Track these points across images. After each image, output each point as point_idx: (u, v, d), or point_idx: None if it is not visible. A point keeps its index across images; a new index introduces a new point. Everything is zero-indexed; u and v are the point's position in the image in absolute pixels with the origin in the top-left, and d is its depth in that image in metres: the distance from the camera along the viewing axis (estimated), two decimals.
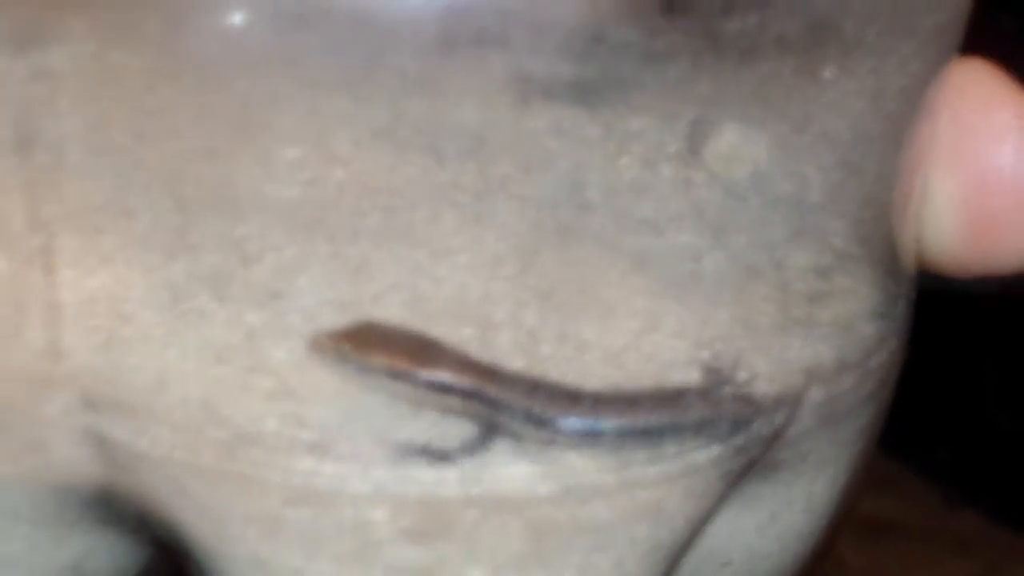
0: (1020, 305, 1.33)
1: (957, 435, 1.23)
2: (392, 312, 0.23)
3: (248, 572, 0.24)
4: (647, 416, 0.24)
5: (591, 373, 0.24)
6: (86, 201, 0.23)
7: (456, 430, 0.23)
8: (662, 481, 0.24)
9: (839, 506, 0.29)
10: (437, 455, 0.23)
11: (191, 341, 0.23)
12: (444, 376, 0.23)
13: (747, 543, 0.29)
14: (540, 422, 0.23)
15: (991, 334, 1.27)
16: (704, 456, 0.24)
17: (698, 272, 0.24)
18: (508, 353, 0.23)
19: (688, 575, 0.29)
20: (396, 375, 0.23)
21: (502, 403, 0.23)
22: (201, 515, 0.24)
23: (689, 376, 0.24)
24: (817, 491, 0.28)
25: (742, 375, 0.25)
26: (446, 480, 0.23)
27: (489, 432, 0.23)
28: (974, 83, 0.28)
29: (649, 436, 0.24)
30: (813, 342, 0.26)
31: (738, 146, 0.24)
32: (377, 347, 0.23)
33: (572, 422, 0.23)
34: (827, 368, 0.26)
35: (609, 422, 0.24)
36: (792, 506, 0.28)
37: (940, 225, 0.28)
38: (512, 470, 0.23)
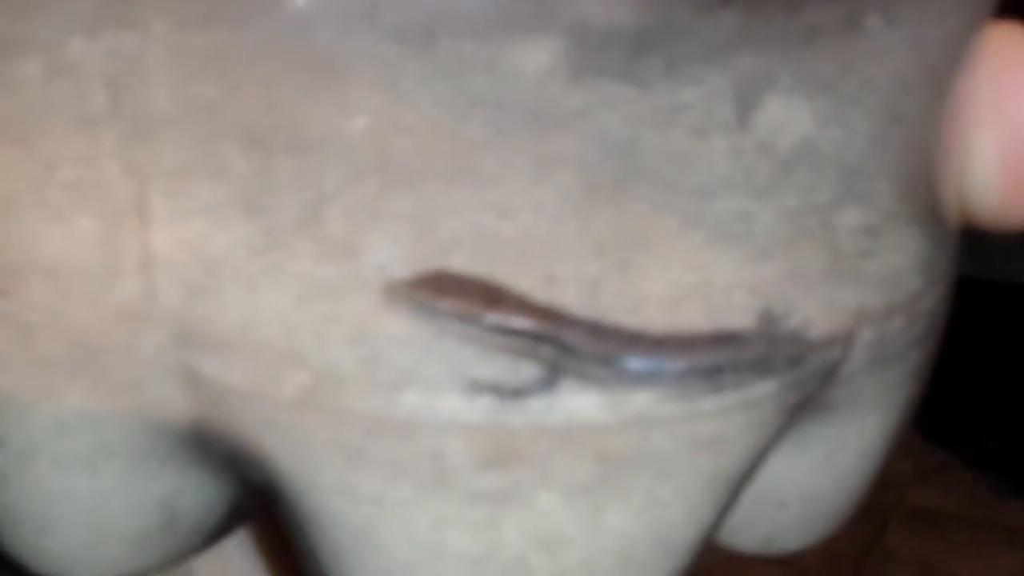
0: None
1: (1005, 425, 1.23)
2: (460, 265, 0.24)
3: (333, 500, 0.25)
4: (706, 355, 0.25)
5: (650, 321, 0.25)
6: (176, 157, 0.25)
7: (525, 370, 0.25)
8: (722, 414, 0.25)
9: (888, 449, 0.30)
10: (508, 392, 0.24)
11: (271, 290, 0.24)
12: (512, 320, 0.24)
13: (803, 483, 0.30)
14: (605, 362, 0.25)
15: None
16: (761, 390, 0.26)
17: (749, 231, 0.25)
18: (571, 304, 0.24)
19: (746, 515, 0.30)
20: (467, 319, 0.24)
21: (568, 345, 0.24)
22: (287, 446, 0.25)
23: (744, 322, 0.25)
24: (869, 433, 0.29)
25: (794, 320, 0.26)
26: (513, 412, 0.24)
27: (556, 372, 0.25)
28: (1012, 42, 0.29)
29: (708, 373, 0.25)
30: (862, 288, 0.27)
31: (784, 116, 0.25)
32: (449, 294, 0.24)
33: (635, 362, 0.25)
34: (876, 311, 0.27)
35: (670, 361, 0.25)
36: (846, 447, 0.29)
37: (980, 180, 0.29)
38: (579, 403, 0.25)
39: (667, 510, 0.26)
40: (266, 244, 0.24)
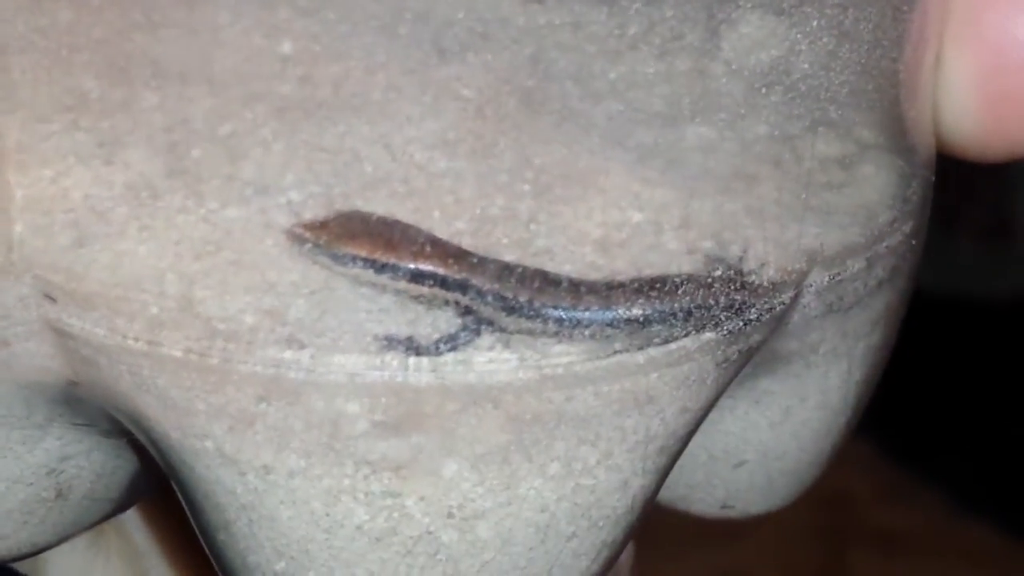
0: None
1: (967, 444, 1.22)
2: (380, 205, 0.22)
3: (216, 468, 0.23)
4: (631, 303, 0.23)
5: (590, 265, 0.23)
6: (32, 91, 0.22)
7: (438, 323, 0.22)
8: (650, 368, 0.23)
9: (855, 404, 0.28)
10: (418, 348, 0.22)
11: (168, 237, 0.22)
12: (423, 265, 0.22)
13: (761, 441, 0.27)
14: (521, 311, 0.22)
15: (1002, 339, 1.26)
16: (695, 342, 0.23)
17: (711, 164, 0.23)
18: (502, 246, 0.22)
19: (701, 476, 0.28)
20: (374, 265, 0.22)
21: (483, 292, 0.22)
22: (164, 409, 0.23)
23: (694, 265, 0.23)
24: (831, 386, 0.27)
25: (747, 263, 0.24)
26: (422, 370, 0.22)
27: (471, 323, 0.23)
28: None
29: (634, 324, 0.23)
30: (817, 227, 0.24)
31: (757, 35, 0.23)
32: (355, 237, 0.22)
33: (552, 310, 0.23)
34: (831, 251, 0.25)
35: (592, 311, 0.23)
36: (806, 402, 0.27)
37: (956, 104, 0.26)
38: (490, 358, 0.22)
39: (591, 478, 0.24)
40: (163, 189, 0.22)
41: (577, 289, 0.23)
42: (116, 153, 0.22)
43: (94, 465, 0.26)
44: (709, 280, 0.23)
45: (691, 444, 0.26)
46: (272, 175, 0.22)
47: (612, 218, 0.23)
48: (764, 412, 0.27)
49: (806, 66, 0.24)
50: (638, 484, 0.24)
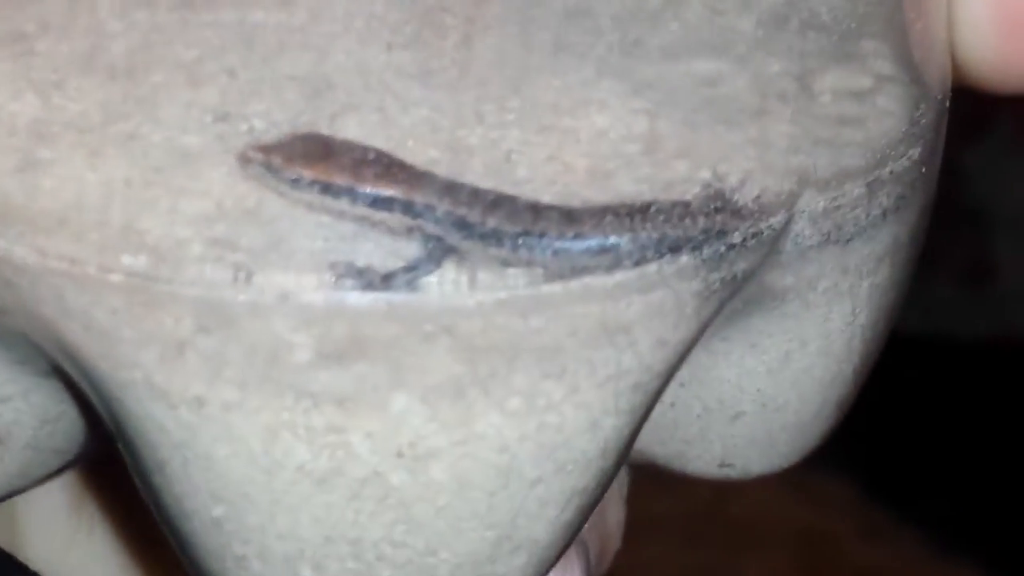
0: (1015, 350, 1.32)
1: (948, 484, 1.22)
2: (349, 133, 0.21)
3: (146, 400, 0.22)
4: (596, 223, 0.21)
5: (574, 195, 0.21)
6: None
7: (396, 250, 0.21)
8: (619, 294, 0.21)
9: (862, 351, 0.26)
10: (374, 276, 0.21)
11: (118, 163, 0.21)
12: (379, 189, 0.21)
13: (759, 390, 0.25)
14: (474, 230, 0.21)
15: (983, 379, 1.27)
16: (671, 266, 0.21)
17: (714, 97, 0.22)
18: (480, 176, 0.21)
19: (697, 430, 0.26)
20: (330, 190, 0.21)
21: (435, 210, 0.21)
22: (90, 336, 0.21)
23: (686, 194, 0.22)
24: (834, 329, 0.25)
25: (730, 182, 0.22)
26: (369, 294, 0.21)
27: (432, 251, 0.21)
28: None
29: (601, 246, 0.21)
30: (808, 145, 0.23)
31: None
32: (309, 159, 0.21)
33: (510, 228, 0.21)
34: (825, 173, 0.23)
35: (552, 230, 0.21)
36: (806, 346, 0.25)
37: (972, 29, 0.25)
38: (441, 281, 0.21)
39: (556, 415, 0.22)
40: (117, 114, 0.21)
41: (536, 208, 0.21)
42: (71, 79, 0.21)
43: (35, 409, 0.25)
44: (686, 200, 0.22)
45: (684, 394, 0.25)
46: (235, 102, 0.21)
47: (602, 149, 0.21)
48: (761, 357, 0.25)
49: None
50: (610, 424, 0.22)
